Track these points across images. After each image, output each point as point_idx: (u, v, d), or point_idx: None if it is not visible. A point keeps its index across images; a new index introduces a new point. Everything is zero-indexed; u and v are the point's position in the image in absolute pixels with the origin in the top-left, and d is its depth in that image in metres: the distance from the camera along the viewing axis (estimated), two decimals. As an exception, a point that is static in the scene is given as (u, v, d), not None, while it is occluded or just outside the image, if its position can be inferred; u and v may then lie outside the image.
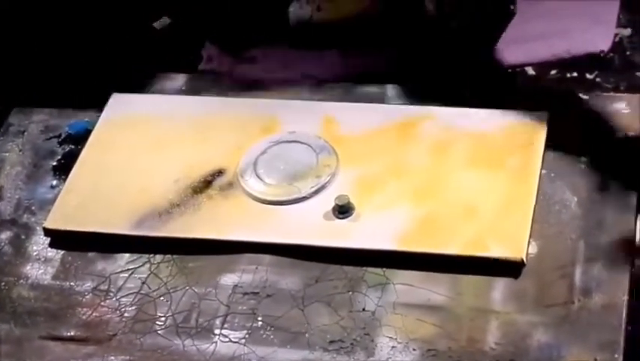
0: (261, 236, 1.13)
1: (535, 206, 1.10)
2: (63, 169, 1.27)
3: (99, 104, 1.33)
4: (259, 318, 1.08)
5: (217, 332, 1.07)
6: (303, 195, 1.16)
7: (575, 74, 1.43)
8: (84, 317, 1.11)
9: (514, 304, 1.04)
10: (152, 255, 1.15)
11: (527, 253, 1.06)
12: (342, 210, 1.13)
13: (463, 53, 1.33)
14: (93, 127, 1.30)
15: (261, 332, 1.07)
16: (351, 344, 1.04)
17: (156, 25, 1.41)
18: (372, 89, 1.29)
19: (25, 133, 1.33)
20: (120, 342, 1.08)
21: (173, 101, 1.31)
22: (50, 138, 1.32)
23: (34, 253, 1.19)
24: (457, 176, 1.15)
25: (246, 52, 1.69)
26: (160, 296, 1.11)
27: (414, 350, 1.02)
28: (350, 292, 1.08)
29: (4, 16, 1.38)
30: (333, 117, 1.24)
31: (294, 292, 1.09)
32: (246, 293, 1.10)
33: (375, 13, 1.34)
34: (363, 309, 1.06)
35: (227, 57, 1.71)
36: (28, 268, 1.17)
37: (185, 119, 1.27)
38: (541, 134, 1.17)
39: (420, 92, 1.26)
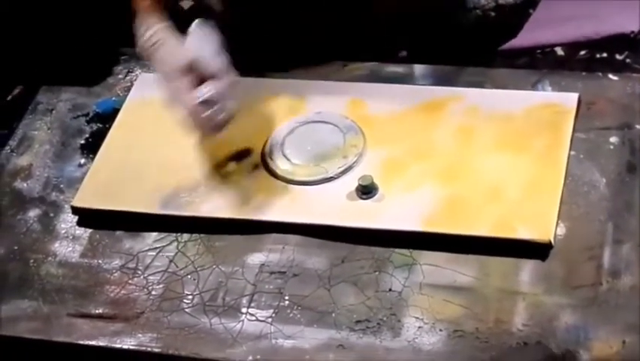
0: (287, 216, 1.14)
1: (563, 188, 1.10)
2: (91, 147, 1.27)
3: (126, 84, 1.34)
4: (286, 297, 1.08)
5: (244, 310, 1.08)
6: (330, 175, 1.16)
7: (604, 55, 1.42)
8: (112, 295, 1.12)
9: (541, 286, 1.04)
10: (179, 233, 1.15)
11: (555, 235, 1.06)
12: (366, 191, 1.13)
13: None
14: (121, 106, 1.30)
15: (288, 311, 1.07)
16: (378, 324, 1.04)
17: (183, 4, 1.40)
18: (399, 69, 1.29)
19: (54, 111, 1.34)
20: (148, 320, 1.09)
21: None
22: (78, 116, 1.32)
23: (63, 231, 1.19)
24: (484, 157, 1.14)
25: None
26: (187, 275, 1.12)
27: (440, 330, 1.02)
28: (376, 273, 1.08)
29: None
30: (359, 98, 1.24)
31: (321, 271, 1.09)
32: (272, 272, 1.10)
33: None
34: (390, 289, 1.06)
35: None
36: (57, 245, 1.18)
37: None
38: (570, 115, 1.16)
39: (447, 72, 1.26)
